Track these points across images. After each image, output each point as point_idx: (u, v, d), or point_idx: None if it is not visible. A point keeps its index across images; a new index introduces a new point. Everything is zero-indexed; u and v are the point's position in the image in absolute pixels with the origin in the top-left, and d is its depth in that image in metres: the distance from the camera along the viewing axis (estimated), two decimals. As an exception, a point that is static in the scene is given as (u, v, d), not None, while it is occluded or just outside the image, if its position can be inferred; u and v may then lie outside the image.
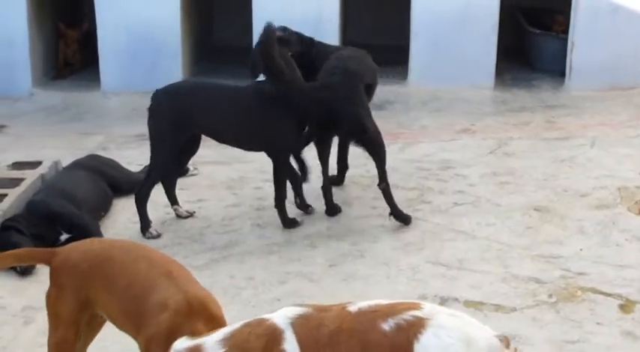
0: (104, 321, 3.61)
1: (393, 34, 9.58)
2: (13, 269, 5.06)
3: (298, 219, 5.74)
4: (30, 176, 6.15)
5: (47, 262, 3.55)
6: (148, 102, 5.70)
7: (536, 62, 9.62)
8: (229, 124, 5.61)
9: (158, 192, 5.96)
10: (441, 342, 2.70)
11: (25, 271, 5.05)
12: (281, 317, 2.85)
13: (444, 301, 4.68)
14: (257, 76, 5.67)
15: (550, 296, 4.73)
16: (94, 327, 3.65)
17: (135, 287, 3.31)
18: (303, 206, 5.91)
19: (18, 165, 6.43)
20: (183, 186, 6.09)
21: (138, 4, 8.72)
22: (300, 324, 2.82)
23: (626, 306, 4.62)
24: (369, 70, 6.09)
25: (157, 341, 3.08)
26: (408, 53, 8.90)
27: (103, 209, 5.93)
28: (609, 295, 4.73)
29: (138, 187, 5.73)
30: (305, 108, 5.58)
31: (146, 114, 5.67)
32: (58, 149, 7.19)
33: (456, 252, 5.31)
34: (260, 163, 6.23)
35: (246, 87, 5.71)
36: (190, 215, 5.89)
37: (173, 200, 5.90)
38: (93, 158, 6.40)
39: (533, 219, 5.77)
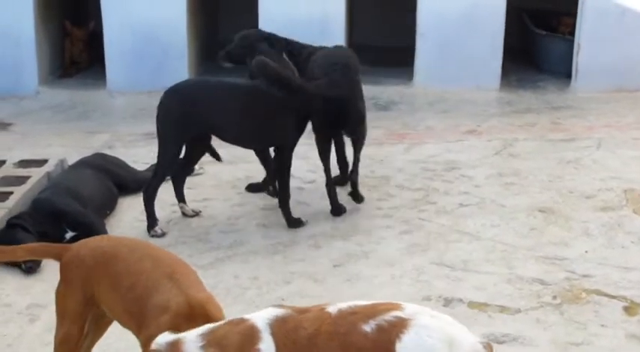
0: (111, 321, 3.62)
1: (398, 35, 9.58)
2: (18, 267, 5.08)
3: (303, 219, 5.75)
4: (36, 174, 6.16)
5: (59, 258, 3.57)
6: (154, 102, 5.72)
7: (543, 63, 9.61)
8: (235, 122, 5.62)
9: (165, 191, 5.97)
10: (424, 342, 2.69)
11: (30, 269, 5.06)
12: (260, 317, 2.86)
13: (448, 302, 4.68)
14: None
15: (554, 297, 4.72)
16: (101, 325, 3.67)
17: (138, 287, 3.31)
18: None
19: (24, 163, 6.44)
20: (189, 185, 6.09)
21: (144, 4, 8.73)
22: (278, 325, 2.82)
23: (630, 308, 4.61)
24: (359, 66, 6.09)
25: None
26: (413, 54, 8.89)
27: (108, 207, 5.94)
28: (614, 297, 4.73)
29: (145, 185, 5.74)
30: (314, 108, 5.60)
31: (152, 113, 5.68)
32: (64, 147, 7.21)
33: (460, 253, 5.31)
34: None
35: (251, 84, 5.71)
36: (196, 214, 5.89)
37: (181, 197, 5.91)
38: (99, 156, 6.41)
39: (538, 220, 5.77)
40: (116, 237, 4.97)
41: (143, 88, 8.28)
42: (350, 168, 6.12)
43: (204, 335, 2.87)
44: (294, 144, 5.75)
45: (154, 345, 2.92)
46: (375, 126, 7.88)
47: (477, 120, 8.10)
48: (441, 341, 2.70)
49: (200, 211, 5.94)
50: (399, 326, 2.72)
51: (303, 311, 2.89)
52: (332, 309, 2.84)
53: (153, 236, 5.55)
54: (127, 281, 3.34)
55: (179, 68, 8.71)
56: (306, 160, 6.67)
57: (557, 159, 6.93)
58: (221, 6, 10.52)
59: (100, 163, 6.21)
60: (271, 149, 6.00)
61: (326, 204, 5.98)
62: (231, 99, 5.63)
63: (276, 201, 5.95)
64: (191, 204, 5.95)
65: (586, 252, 5.28)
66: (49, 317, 4.43)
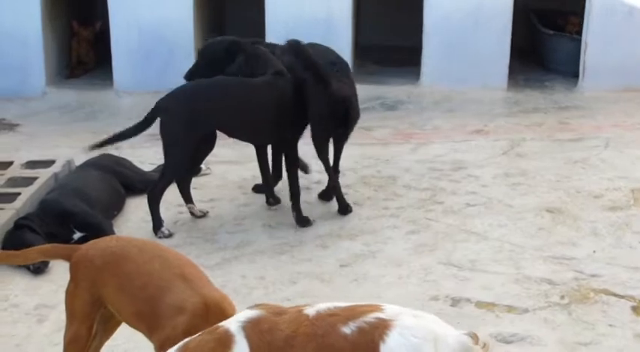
0: (120, 322, 3.62)
1: (405, 35, 9.57)
2: (26, 267, 5.08)
3: (311, 219, 5.74)
4: (43, 175, 6.17)
5: (68, 258, 3.57)
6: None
7: (550, 63, 9.59)
8: (246, 119, 5.64)
9: (171, 192, 5.98)
10: (408, 342, 2.68)
11: (37, 270, 5.07)
12: (233, 321, 2.85)
13: (455, 302, 4.67)
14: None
15: (562, 297, 4.72)
16: (110, 326, 3.67)
17: (149, 288, 3.31)
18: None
19: (31, 164, 6.44)
20: (195, 186, 6.09)
21: (151, 4, 8.73)
22: (251, 327, 2.81)
23: (639, 308, 4.60)
24: None
25: (173, 343, 3.08)
26: (420, 54, 8.89)
27: (116, 208, 5.94)
28: (622, 297, 4.72)
29: (151, 186, 5.74)
30: (327, 105, 5.63)
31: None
32: (71, 148, 7.20)
33: (468, 252, 5.30)
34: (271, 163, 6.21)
35: (259, 81, 5.71)
36: (204, 215, 5.89)
37: (188, 199, 5.91)
38: (106, 157, 6.41)
39: (546, 220, 5.76)
40: (125, 237, 4.96)
41: (150, 88, 8.26)
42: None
43: (181, 347, 2.86)
44: (299, 138, 5.81)
45: None
46: (381, 126, 7.91)
47: (484, 119, 8.08)
48: (426, 340, 2.68)
49: (208, 212, 5.94)
50: (381, 328, 2.71)
51: (279, 312, 2.87)
52: (310, 311, 2.82)
53: (160, 237, 5.55)
54: (137, 282, 3.34)
55: (186, 68, 8.61)
56: (313, 160, 6.65)
57: (565, 159, 6.91)
58: (227, 5, 10.52)
59: (107, 164, 6.21)
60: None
61: (333, 204, 5.98)
62: (242, 95, 5.63)
63: (281, 202, 5.96)
64: (198, 205, 5.95)
65: (594, 251, 5.27)
66: (57, 317, 4.45)
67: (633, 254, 5.25)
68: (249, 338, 2.79)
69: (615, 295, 4.73)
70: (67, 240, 5.33)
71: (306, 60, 5.57)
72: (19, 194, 5.79)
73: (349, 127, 5.87)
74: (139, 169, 6.43)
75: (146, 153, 7.07)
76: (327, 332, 2.75)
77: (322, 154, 5.82)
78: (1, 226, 5.34)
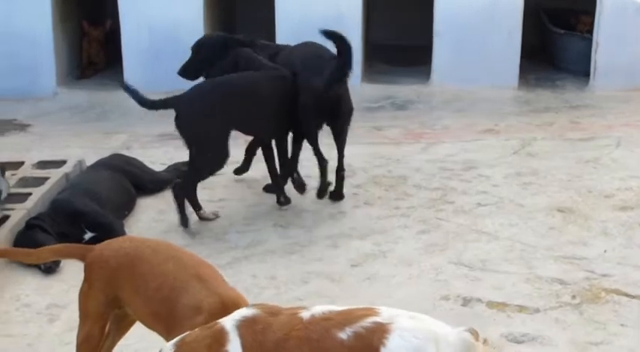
0: (134, 320, 3.63)
1: (415, 34, 9.56)
2: (38, 267, 5.10)
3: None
4: (54, 175, 6.18)
5: (82, 258, 3.58)
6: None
7: (561, 62, 9.57)
8: (263, 113, 5.70)
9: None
10: (410, 344, 2.67)
11: (49, 269, 5.08)
12: (229, 319, 2.87)
13: (466, 302, 4.67)
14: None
15: (574, 297, 4.70)
16: (123, 326, 3.68)
17: (164, 288, 3.32)
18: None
19: (42, 164, 6.46)
20: (205, 186, 6.08)
21: (161, 3, 8.74)
22: (246, 326, 2.82)
23: (650, 308, 4.59)
24: None
25: None
26: (430, 53, 8.87)
27: (126, 208, 5.95)
28: (633, 297, 4.70)
29: (179, 183, 5.70)
30: (317, 99, 5.71)
31: (170, 113, 5.69)
32: (82, 148, 7.23)
33: (478, 252, 5.29)
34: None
35: (270, 73, 5.75)
36: (216, 217, 5.87)
37: (196, 205, 5.83)
38: (117, 157, 6.43)
39: (557, 219, 5.74)
40: (138, 238, 4.97)
41: (161, 88, 8.22)
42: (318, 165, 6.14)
43: (179, 341, 2.88)
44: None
45: None
46: (392, 126, 7.91)
47: (494, 119, 8.07)
48: (427, 340, 2.68)
49: (218, 212, 5.94)
50: (379, 332, 2.70)
51: (275, 313, 2.87)
52: (305, 314, 2.82)
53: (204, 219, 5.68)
54: (153, 283, 3.35)
55: (196, 68, 8.70)
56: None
57: (576, 159, 6.90)
58: (238, 5, 10.53)
59: (117, 164, 6.22)
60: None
61: (343, 204, 5.99)
62: (262, 90, 5.70)
63: (292, 202, 5.97)
64: (207, 205, 5.93)
65: (605, 251, 5.26)
66: (68, 317, 4.46)
67: (644, 254, 5.24)
68: (242, 336, 2.81)
69: (627, 295, 4.72)
70: (79, 239, 5.33)
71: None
72: (30, 194, 5.81)
73: (343, 121, 5.92)
74: (150, 169, 6.44)
75: (156, 153, 7.09)
76: (322, 337, 2.74)
77: (311, 139, 5.89)
78: (13, 226, 5.35)
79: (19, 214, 5.49)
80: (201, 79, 6.06)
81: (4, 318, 4.65)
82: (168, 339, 3.27)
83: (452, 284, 4.90)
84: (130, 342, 3.93)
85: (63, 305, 4.69)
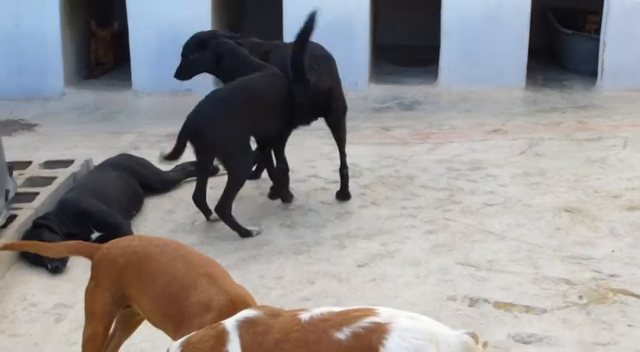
0: (141, 320, 3.63)
1: (423, 35, 9.56)
2: (44, 266, 5.11)
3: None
4: (62, 175, 6.20)
5: (90, 256, 3.59)
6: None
7: (568, 62, 9.55)
8: (271, 114, 5.71)
9: (188, 192, 6.00)
10: (409, 345, 2.66)
11: (56, 269, 5.09)
12: (231, 320, 2.90)
13: (473, 302, 4.66)
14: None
15: (581, 297, 4.69)
16: (130, 325, 3.69)
17: (173, 286, 3.33)
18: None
19: (50, 164, 6.47)
20: (212, 186, 6.09)
21: (169, 4, 8.75)
22: (246, 327, 2.85)
23: (658, 308, 4.58)
24: None
25: None
26: (438, 53, 8.87)
27: (134, 208, 5.96)
28: (641, 297, 4.70)
29: (221, 207, 5.62)
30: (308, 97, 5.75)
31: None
32: (89, 148, 7.24)
33: (486, 252, 5.28)
34: (291, 164, 6.22)
35: (270, 74, 5.76)
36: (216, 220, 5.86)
37: (207, 211, 5.80)
38: (124, 157, 6.44)
39: (564, 220, 5.73)
40: (146, 236, 4.97)
41: (168, 89, 8.28)
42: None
43: (184, 341, 2.91)
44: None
45: None
46: (399, 126, 7.90)
47: (502, 119, 8.06)
48: (427, 340, 2.67)
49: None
50: (378, 332, 2.69)
51: (276, 315, 2.89)
52: (303, 316, 2.83)
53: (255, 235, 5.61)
54: (161, 281, 3.36)
55: (204, 68, 8.71)
56: (330, 160, 6.67)
57: (583, 159, 6.88)
58: (246, 5, 10.53)
59: (125, 164, 6.23)
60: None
61: (350, 204, 5.99)
62: (270, 93, 5.71)
63: (297, 202, 5.99)
64: (213, 205, 5.92)
65: (612, 251, 5.25)
66: (75, 316, 4.47)
67: (652, 254, 5.23)
68: (242, 337, 2.83)
69: (634, 295, 4.70)
70: (86, 239, 5.34)
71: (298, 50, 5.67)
72: (37, 193, 5.82)
73: (336, 115, 5.94)
74: (157, 169, 6.44)
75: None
76: (319, 338, 2.75)
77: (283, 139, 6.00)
78: (20, 225, 5.36)
79: (26, 214, 5.51)
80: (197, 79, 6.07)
81: (11, 318, 4.66)
82: (175, 337, 3.28)
83: (459, 284, 4.89)
84: (135, 342, 3.94)
85: (70, 304, 4.70)
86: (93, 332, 3.51)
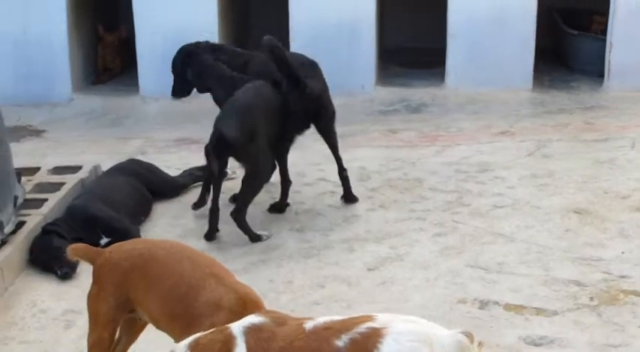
0: (145, 324, 3.63)
1: (429, 37, 9.55)
2: (54, 273, 5.12)
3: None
4: (70, 181, 6.20)
5: (92, 261, 3.59)
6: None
7: (575, 63, 9.53)
8: (273, 119, 5.70)
9: (196, 197, 6.00)
10: (403, 348, 2.69)
11: (65, 275, 5.10)
12: (238, 325, 2.93)
13: (483, 305, 4.65)
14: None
15: (591, 299, 4.68)
16: (134, 331, 3.69)
17: (181, 286, 3.33)
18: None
19: (58, 170, 6.48)
20: (222, 190, 6.09)
21: (175, 9, 8.76)
22: (252, 334, 2.89)
23: (669, 309, 4.56)
24: None
25: None
26: (444, 56, 8.86)
27: (143, 213, 5.96)
28: (652, 298, 4.68)
29: (236, 212, 5.60)
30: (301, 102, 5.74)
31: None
32: (97, 154, 7.25)
33: (495, 255, 5.27)
34: (299, 167, 6.24)
35: (265, 87, 5.77)
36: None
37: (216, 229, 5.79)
38: (132, 162, 6.44)
39: (573, 221, 5.72)
40: (150, 239, 5.00)
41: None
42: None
43: (191, 344, 2.93)
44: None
45: None
46: (406, 129, 7.90)
47: (509, 121, 8.05)
48: (420, 342, 2.70)
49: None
50: (374, 336, 2.73)
51: (282, 323, 2.94)
52: (308, 325, 2.88)
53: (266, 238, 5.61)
54: (168, 281, 3.36)
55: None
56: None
57: (592, 160, 6.87)
58: (252, 10, 10.54)
59: (133, 169, 6.23)
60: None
61: (358, 208, 5.99)
62: (274, 100, 5.72)
63: (306, 206, 5.98)
64: (224, 208, 5.92)
65: (622, 252, 5.23)
66: (84, 323, 4.43)
67: (662, 255, 5.21)
68: (248, 343, 2.87)
69: (645, 296, 4.70)
70: (95, 245, 5.33)
71: (281, 60, 5.64)
72: (46, 200, 5.83)
73: (327, 119, 5.94)
74: (166, 174, 6.45)
75: (172, 159, 7.11)
76: (320, 347, 2.79)
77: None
78: (29, 231, 5.37)
79: (35, 220, 5.52)
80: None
81: (21, 324, 4.66)
82: (183, 337, 3.28)
83: (469, 287, 4.88)
84: (141, 347, 3.92)
85: (79, 310, 4.69)
86: (98, 338, 3.51)
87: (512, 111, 8.35)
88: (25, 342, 4.48)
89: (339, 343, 2.76)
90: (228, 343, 2.87)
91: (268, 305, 4.57)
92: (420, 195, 6.27)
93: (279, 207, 6.04)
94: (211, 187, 5.78)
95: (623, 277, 4.91)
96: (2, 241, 5.15)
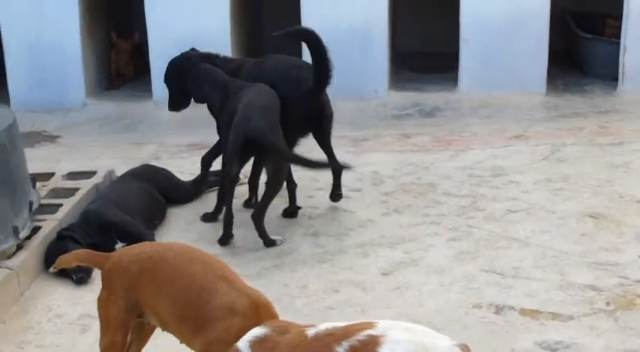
0: (153, 329, 3.63)
1: (442, 41, 9.54)
2: (69, 278, 5.13)
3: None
4: (84, 186, 6.22)
5: (100, 266, 3.60)
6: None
7: (588, 67, 9.50)
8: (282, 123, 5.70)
9: (210, 202, 6.01)
10: None
11: (81, 280, 5.11)
12: (243, 341, 3.00)
13: (499, 309, 4.64)
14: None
15: (608, 304, 4.66)
16: (143, 335, 3.69)
17: (193, 288, 3.33)
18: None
19: (72, 175, 6.49)
20: (235, 195, 6.09)
21: (188, 15, 8.77)
22: (256, 345, 2.97)
23: (686, 314, 4.54)
24: None
25: (223, 344, 3.11)
26: (457, 60, 8.85)
27: (157, 218, 5.97)
28: (669, 303, 4.66)
29: (256, 214, 5.61)
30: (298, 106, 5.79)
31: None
32: (111, 159, 7.27)
33: (510, 259, 5.26)
34: (312, 172, 6.23)
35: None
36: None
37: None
38: (146, 167, 6.46)
39: (589, 225, 5.70)
40: (158, 242, 5.00)
41: (188, 99, 8.30)
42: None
43: None
44: None
45: None
46: (420, 133, 7.89)
47: (523, 125, 8.03)
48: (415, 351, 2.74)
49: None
50: (372, 344, 2.77)
51: (284, 332, 3.00)
52: (311, 332, 2.93)
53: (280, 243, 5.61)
54: (180, 283, 3.36)
55: (223, 78, 8.72)
56: (352, 168, 6.64)
57: (606, 164, 6.84)
58: (265, 15, 10.55)
59: (147, 174, 6.25)
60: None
61: (372, 212, 5.98)
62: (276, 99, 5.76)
63: (319, 210, 5.97)
64: (237, 213, 5.92)
65: (639, 257, 5.21)
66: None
67: (679, 259, 5.18)
68: None
69: (661, 301, 4.68)
70: (110, 250, 5.34)
71: (318, 43, 5.75)
72: (61, 205, 5.85)
73: (327, 123, 5.94)
74: (179, 179, 6.46)
75: (185, 164, 7.11)
76: None
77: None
78: (44, 237, 5.39)
79: (50, 225, 5.53)
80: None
81: (37, 329, 4.68)
82: (193, 340, 3.29)
83: (484, 292, 4.87)
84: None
85: (95, 315, 4.61)
86: (111, 342, 3.51)
87: (526, 115, 8.33)
88: (41, 346, 4.50)
89: (340, 349, 2.80)
90: None
91: (283, 310, 4.58)
92: (434, 199, 6.26)
93: (290, 212, 6.04)
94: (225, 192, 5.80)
95: (639, 281, 4.88)
96: (18, 246, 5.16)
